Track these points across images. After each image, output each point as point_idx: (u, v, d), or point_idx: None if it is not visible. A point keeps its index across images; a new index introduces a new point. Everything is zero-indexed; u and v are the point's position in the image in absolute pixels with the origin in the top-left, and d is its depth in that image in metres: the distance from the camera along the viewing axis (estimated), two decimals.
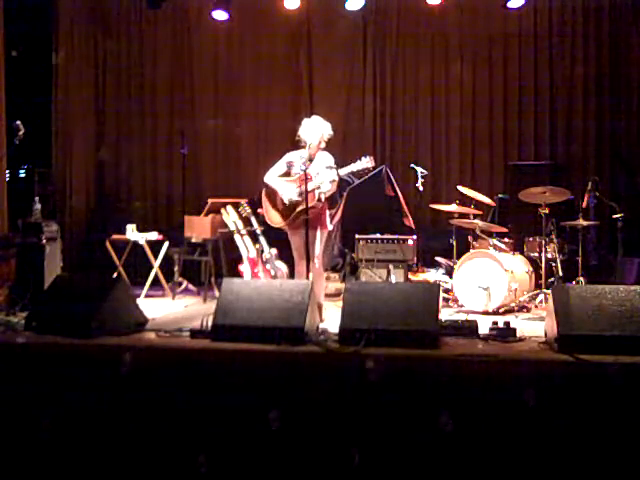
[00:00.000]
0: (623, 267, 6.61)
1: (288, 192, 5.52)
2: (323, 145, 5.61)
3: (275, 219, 5.63)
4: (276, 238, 6.61)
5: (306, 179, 5.15)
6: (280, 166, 5.66)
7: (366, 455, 3.68)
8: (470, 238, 6.62)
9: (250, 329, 4.13)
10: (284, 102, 8.70)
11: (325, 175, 5.37)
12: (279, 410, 3.74)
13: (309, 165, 5.35)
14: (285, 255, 6.76)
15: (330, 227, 5.72)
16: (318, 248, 5.55)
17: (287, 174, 5.60)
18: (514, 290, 5.96)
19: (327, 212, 5.63)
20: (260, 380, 3.85)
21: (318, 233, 5.52)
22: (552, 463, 3.58)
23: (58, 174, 8.52)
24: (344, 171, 5.39)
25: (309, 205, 5.29)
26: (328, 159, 5.55)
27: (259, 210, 5.86)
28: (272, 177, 5.65)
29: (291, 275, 6.73)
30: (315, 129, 5.51)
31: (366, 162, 5.31)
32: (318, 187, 5.39)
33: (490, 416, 3.65)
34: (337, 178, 5.40)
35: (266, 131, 8.79)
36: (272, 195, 5.66)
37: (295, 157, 5.56)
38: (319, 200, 5.41)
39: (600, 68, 8.24)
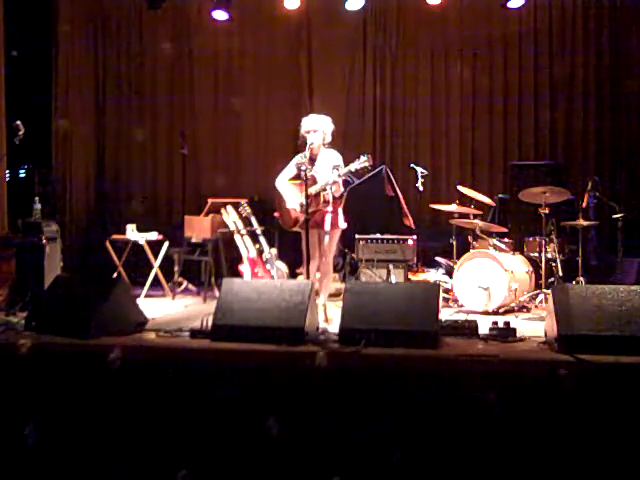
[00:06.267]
0: (623, 267, 6.61)
1: (293, 199, 5.53)
2: (328, 140, 5.59)
3: (288, 223, 5.66)
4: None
5: (306, 183, 5.14)
6: (290, 170, 5.65)
7: (365, 454, 3.69)
8: (470, 238, 6.62)
9: (250, 329, 4.12)
10: (284, 102, 8.70)
11: (329, 177, 5.36)
12: (279, 410, 3.75)
13: (310, 167, 5.34)
14: (285, 255, 6.78)
15: (344, 226, 5.67)
16: (329, 248, 5.54)
17: (298, 176, 5.57)
18: (514, 290, 5.96)
19: (340, 211, 5.58)
20: (260, 380, 3.85)
21: (329, 233, 5.45)
22: (552, 462, 3.58)
23: (58, 174, 8.51)
24: (343, 171, 5.36)
25: (315, 208, 5.35)
26: (334, 157, 5.52)
27: (275, 214, 5.87)
28: (282, 182, 5.66)
29: (291, 275, 6.74)
30: (314, 129, 5.49)
31: (364, 160, 5.27)
32: (324, 189, 5.37)
33: (490, 416, 3.65)
34: (338, 179, 5.38)
35: (266, 131, 8.80)
36: (283, 200, 5.68)
37: (302, 159, 5.53)
38: (325, 202, 5.37)
39: (600, 68, 8.25)
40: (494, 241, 6.38)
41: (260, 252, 6.55)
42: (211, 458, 3.80)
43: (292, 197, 5.56)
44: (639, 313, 3.92)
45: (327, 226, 5.38)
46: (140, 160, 8.97)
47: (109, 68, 8.95)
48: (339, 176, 5.34)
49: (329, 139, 5.58)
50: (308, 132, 5.48)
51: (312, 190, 5.33)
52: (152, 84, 8.94)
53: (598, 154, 8.28)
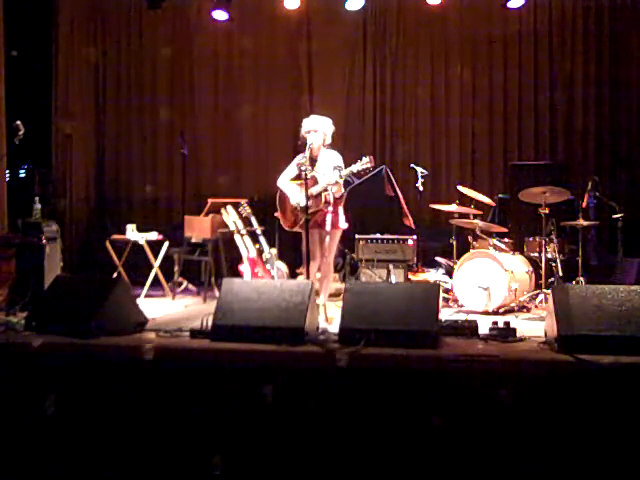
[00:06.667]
0: (623, 267, 6.61)
1: (296, 196, 5.52)
2: (329, 141, 5.59)
3: (288, 223, 5.65)
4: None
5: (306, 182, 5.14)
6: (291, 170, 5.65)
7: (366, 454, 3.69)
8: (470, 238, 6.62)
9: (250, 329, 4.12)
10: (284, 102, 8.70)
11: (330, 177, 5.36)
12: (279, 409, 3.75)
13: (310, 167, 5.34)
14: (285, 255, 6.78)
15: (345, 226, 5.66)
16: (329, 248, 5.54)
17: (299, 177, 5.57)
18: (514, 290, 5.95)
19: (340, 211, 5.58)
20: (260, 380, 3.85)
21: (330, 234, 5.48)
22: (551, 462, 3.58)
23: (58, 174, 8.52)
24: (344, 172, 5.36)
25: (316, 209, 5.34)
26: (335, 158, 5.51)
27: (276, 214, 5.87)
28: (284, 181, 5.65)
29: (291, 275, 6.75)
30: (314, 130, 5.49)
31: (366, 162, 5.27)
32: (325, 189, 5.37)
33: (490, 416, 3.65)
34: (340, 180, 5.38)
35: (266, 131, 8.80)
36: (283, 199, 5.67)
37: (303, 159, 5.52)
38: (326, 202, 5.37)
39: (600, 68, 8.25)
40: (494, 241, 6.38)
41: (260, 252, 6.55)
42: (209, 457, 3.81)
43: (295, 193, 5.55)
44: (639, 313, 3.92)
45: (328, 226, 5.40)
46: (140, 160, 8.97)
47: (109, 68, 8.95)
48: (340, 177, 5.34)
49: (329, 140, 5.59)
50: (308, 132, 5.48)
51: (313, 190, 5.34)
52: (152, 84, 8.94)
53: (598, 154, 8.28)
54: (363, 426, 3.73)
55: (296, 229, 5.60)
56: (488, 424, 3.65)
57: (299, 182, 5.51)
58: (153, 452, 3.86)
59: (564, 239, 6.50)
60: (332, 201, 5.36)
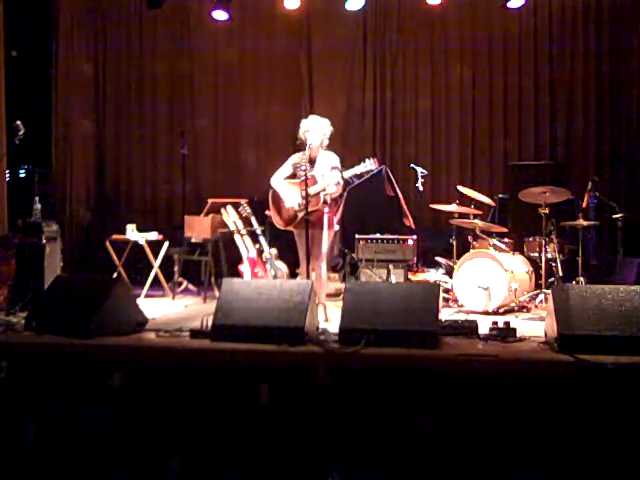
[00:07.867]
0: (623, 267, 6.60)
1: (292, 198, 5.52)
2: (326, 142, 5.59)
3: (281, 221, 5.64)
4: (276, 238, 6.62)
5: (306, 182, 5.14)
6: (286, 168, 5.65)
7: (365, 454, 3.69)
8: (470, 238, 6.62)
9: (250, 329, 4.12)
10: (284, 102, 8.71)
11: (330, 177, 5.36)
12: (279, 409, 3.75)
13: (310, 167, 5.34)
14: (285, 255, 6.78)
15: (337, 227, 5.68)
16: (324, 248, 5.54)
17: (294, 176, 5.59)
18: (514, 290, 5.95)
19: (334, 212, 5.59)
20: (260, 380, 3.85)
21: (325, 233, 5.48)
22: (551, 461, 3.58)
23: (58, 174, 8.52)
24: (348, 173, 5.38)
25: (314, 208, 5.34)
26: (333, 159, 5.52)
27: (267, 212, 5.86)
28: (278, 180, 5.65)
29: (291, 275, 6.74)
30: (314, 129, 5.50)
31: (370, 164, 5.29)
32: (324, 189, 5.37)
33: (490, 416, 3.65)
34: (342, 181, 5.39)
35: (266, 131, 8.81)
36: (277, 198, 5.66)
37: (299, 159, 5.54)
38: (324, 202, 5.38)
39: (600, 68, 8.26)
40: (494, 241, 6.38)
41: (260, 252, 6.55)
42: (209, 457, 3.81)
43: (290, 196, 5.55)
44: (639, 313, 3.92)
45: (325, 226, 5.39)
46: (140, 160, 8.98)
47: (109, 68, 8.96)
48: (342, 178, 5.35)
49: (327, 142, 5.59)
50: (307, 132, 5.48)
51: (311, 190, 5.34)
52: (152, 84, 8.95)
53: (598, 154, 8.28)
54: (363, 426, 3.73)
55: (290, 228, 5.59)
56: (488, 424, 3.65)
57: (297, 181, 5.51)
58: (152, 452, 3.87)
59: (564, 239, 6.50)
60: (329, 202, 5.38)
